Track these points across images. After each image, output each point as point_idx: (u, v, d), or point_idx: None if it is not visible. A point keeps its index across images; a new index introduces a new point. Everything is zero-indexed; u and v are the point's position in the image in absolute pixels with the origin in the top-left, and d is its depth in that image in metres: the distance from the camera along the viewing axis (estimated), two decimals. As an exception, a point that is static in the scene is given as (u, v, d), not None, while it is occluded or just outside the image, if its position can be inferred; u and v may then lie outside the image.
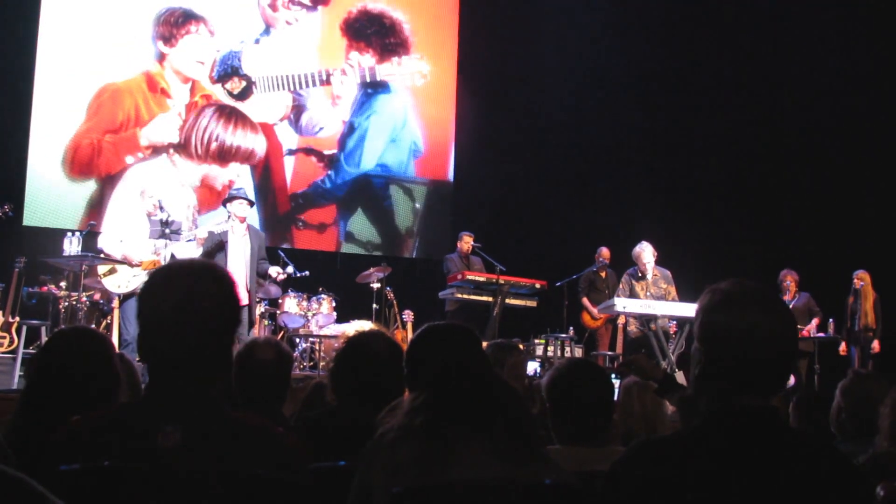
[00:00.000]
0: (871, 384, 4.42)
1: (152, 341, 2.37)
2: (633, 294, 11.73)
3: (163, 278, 2.41)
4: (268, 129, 14.44)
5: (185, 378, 2.33)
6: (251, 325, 10.40)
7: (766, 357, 2.29)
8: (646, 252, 11.82)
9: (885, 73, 13.88)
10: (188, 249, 9.96)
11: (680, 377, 9.47)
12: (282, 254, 12.19)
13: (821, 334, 12.32)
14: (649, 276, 11.79)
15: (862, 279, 12.49)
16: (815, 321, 12.53)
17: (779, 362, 2.33)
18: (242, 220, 10.27)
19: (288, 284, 12.35)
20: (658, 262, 11.93)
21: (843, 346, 12.62)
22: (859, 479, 2.30)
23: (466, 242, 12.98)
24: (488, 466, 2.56)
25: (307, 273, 12.32)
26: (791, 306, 12.43)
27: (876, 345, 12.41)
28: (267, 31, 14.65)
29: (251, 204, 10.47)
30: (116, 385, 3.40)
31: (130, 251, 9.72)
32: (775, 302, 2.37)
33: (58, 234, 10.86)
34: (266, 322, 12.05)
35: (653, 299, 11.50)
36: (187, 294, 2.34)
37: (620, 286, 12.02)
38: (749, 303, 2.32)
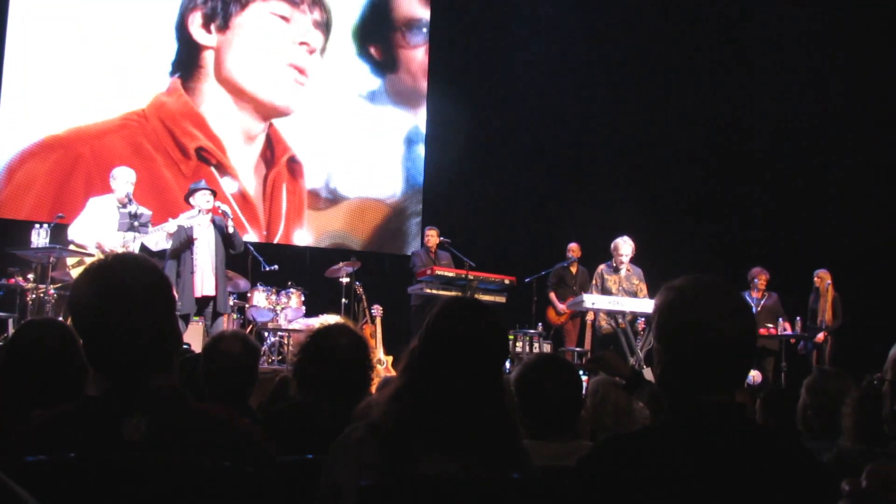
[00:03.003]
0: (836, 381, 4.44)
1: (97, 345, 2.34)
2: (605, 288, 11.69)
3: (88, 280, 2.37)
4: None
5: (142, 370, 2.32)
6: (216, 315, 10.33)
7: (724, 352, 2.29)
8: (624, 245, 11.71)
9: (852, 77, 13.98)
10: (160, 241, 9.93)
11: (648, 374, 9.45)
12: (251, 248, 12.16)
13: (788, 331, 12.37)
14: (623, 271, 11.76)
15: (822, 278, 12.59)
16: (781, 325, 12.51)
17: (738, 356, 2.33)
18: (209, 212, 10.22)
19: (257, 278, 12.32)
20: (632, 259, 11.91)
21: (801, 345, 12.73)
22: (824, 475, 2.31)
23: (432, 237, 13.03)
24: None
25: (276, 267, 12.30)
26: (761, 305, 12.50)
27: (822, 336, 12.46)
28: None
29: (214, 194, 10.42)
30: (83, 377, 3.37)
31: (104, 238, 9.68)
32: (731, 296, 2.37)
33: (25, 226, 10.77)
34: (235, 315, 12.00)
35: (624, 294, 11.51)
36: (117, 289, 2.31)
37: (593, 281, 11.98)
38: (704, 299, 2.32)
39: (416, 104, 16.07)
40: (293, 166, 14.92)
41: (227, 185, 14.14)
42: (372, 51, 15.77)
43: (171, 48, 14.15)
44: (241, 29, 14.52)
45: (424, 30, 16.10)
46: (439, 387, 2.69)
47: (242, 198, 14.34)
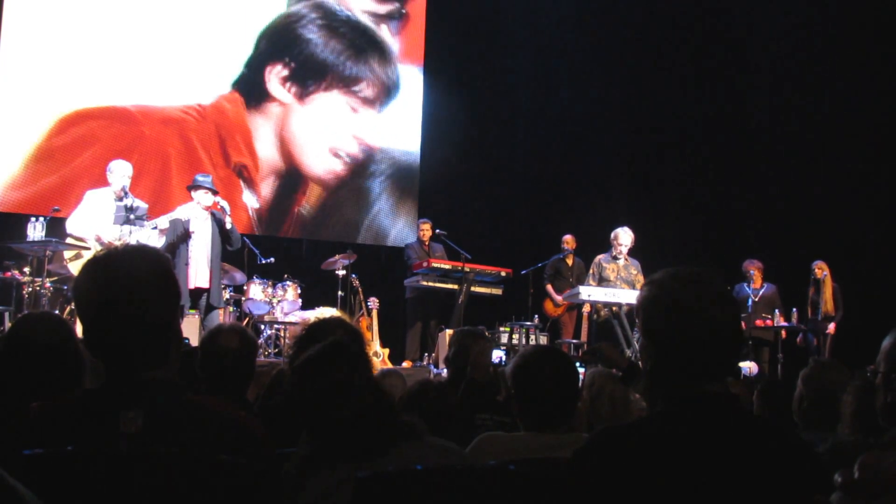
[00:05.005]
0: (832, 373, 4.45)
1: (97, 335, 2.35)
2: (603, 277, 11.70)
3: (92, 271, 2.38)
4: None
5: (140, 363, 2.32)
6: (209, 309, 10.32)
7: (710, 341, 2.30)
8: (624, 235, 11.74)
9: (849, 68, 13.97)
10: (152, 237, 9.92)
11: (644, 365, 9.50)
12: (247, 241, 12.15)
13: (784, 323, 12.36)
14: (621, 260, 11.76)
15: (821, 268, 12.60)
16: (778, 316, 12.48)
17: (725, 344, 2.34)
18: (207, 208, 10.23)
19: (253, 271, 12.32)
20: (630, 251, 11.90)
21: (799, 338, 12.77)
22: (819, 465, 2.32)
23: (424, 230, 13.09)
24: None
25: (272, 260, 12.30)
26: (759, 296, 12.49)
27: (832, 327, 12.51)
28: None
29: (215, 193, 10.40)
30: (81, 371, 3.37)
31: (102, 231, 9.69)
32: (712, 284, 2.37)
33: (22, 219, 10.78)
34: (231, 308, 11.99)
35: (623, 283, 11.53)
36: (120, 281, 2.32)
37: (591, 270, 11.99)
38: (685, 289, 2.33)
39: (410, 93, 16.02)
40: (303, 197, 15.16)
41: (249, 200, 14.45)
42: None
43: (240, 61, 14.61)
44: (314, 106, 15.05)
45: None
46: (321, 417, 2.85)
47: (258, 212, 14.61)
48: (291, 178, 14.92)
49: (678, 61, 15.61)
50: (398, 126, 15.77)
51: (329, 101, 15.15)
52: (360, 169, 15.47)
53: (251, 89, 14.60)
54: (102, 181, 10.28)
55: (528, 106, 16.21)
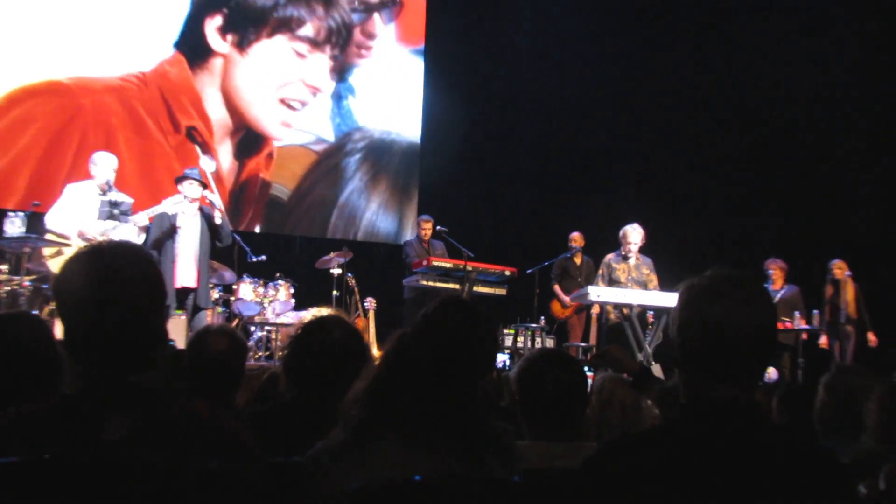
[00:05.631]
0: (855, 378, 4.43)
1: (81, 335, 2.34)
2: (613, 278, 11.60)
3: (79, 267, 2.36)
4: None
5: (126, 366, 2.31)
6: (197, 310, 10.29)
7: (745, 347, 2.30)
8: (634, 233, 11.56)
9: (873, 61, 13.96)
10: (132, 233, 9.88)
11: (657, 370, 9.46)
12: (237, 237, 12.13)
13: (804, 325, 12.26)
14: (632, 260, 11.66)
15: (840, 268, 12.52)
16: (798, 319, 12.39)
17: (757, 352, 2.34)
18: (194, 201, 10.19)
19: (243, 269, 12.29)
20: (641, 249, 11.83)
21: (823, 339, 12.68)
22: (843, 476, 2.31)
23: (425, 228, 13.02)
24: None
25: (264, 257, 12.27)
26: (778, 297, 12.40)
27: (872, 337, 12.44)
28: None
29: (203, 185, 10.36)
30: (59, 373, 3.35)
31: (84, 226, 9.65)
32: (756, 291, 2.38)
33: (-2, 214, 10.77)
34: (220, 309, 11.96)
35: (634, 284, 11.45)
36: (108, 279, 2.32)
37: (600, 271, 11.91)
38: (729, 292, 2.33)
39: (412, 89, 16.06)
40: (269, 161, 15.07)
41: (206, 165, 14.18)
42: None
43: (179, 21, 14.44)
44: (257, 55, 14.94)
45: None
46: (416, 379, 2.77)
47: (217, 178, 14.40)
48: (249, 137, 14.85)
49: (692, 52, 15.59)
50: (399, 116, 15.79)
51: (272, 49, 15.07)
52: (360, 165, 15.46)
53: (193, 48, 14.49)
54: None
55: (534, 98, 16.21)
